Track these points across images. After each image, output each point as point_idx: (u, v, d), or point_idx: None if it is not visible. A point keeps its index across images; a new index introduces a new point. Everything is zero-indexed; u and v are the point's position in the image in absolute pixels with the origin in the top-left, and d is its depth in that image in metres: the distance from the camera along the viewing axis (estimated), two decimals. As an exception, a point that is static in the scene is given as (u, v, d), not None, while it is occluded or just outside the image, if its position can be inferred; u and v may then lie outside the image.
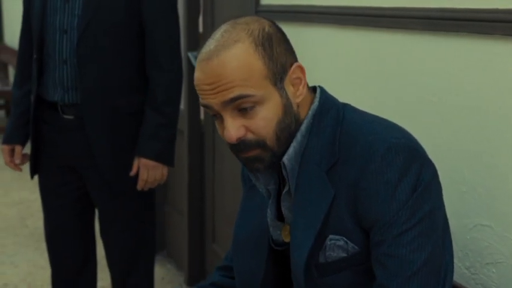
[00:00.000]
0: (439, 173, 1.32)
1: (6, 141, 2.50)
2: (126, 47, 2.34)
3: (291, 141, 1.33)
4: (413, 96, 1.70)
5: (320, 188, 1.31)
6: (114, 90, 2.34)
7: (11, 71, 7.79)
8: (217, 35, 1.30)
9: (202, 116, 3.34)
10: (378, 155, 1.25)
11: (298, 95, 1.33)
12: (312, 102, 1.37)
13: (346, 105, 1.39)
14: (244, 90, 1.26)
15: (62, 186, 2.47)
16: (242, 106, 1.27)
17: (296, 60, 1.35)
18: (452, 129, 1.58)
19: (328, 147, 1.32)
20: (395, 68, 1.76)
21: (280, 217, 1.42)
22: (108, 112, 2.34)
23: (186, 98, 3.27)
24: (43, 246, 2.78)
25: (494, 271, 1.49)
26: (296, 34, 2.15)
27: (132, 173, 2.38)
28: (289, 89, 1.32)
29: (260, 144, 1.30)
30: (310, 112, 1.35)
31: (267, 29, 1.31)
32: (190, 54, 3.17)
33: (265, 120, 1.29)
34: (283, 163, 1.33)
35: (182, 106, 3.18)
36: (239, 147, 1.31)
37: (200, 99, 1.31)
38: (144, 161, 2.36)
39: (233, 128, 1.29)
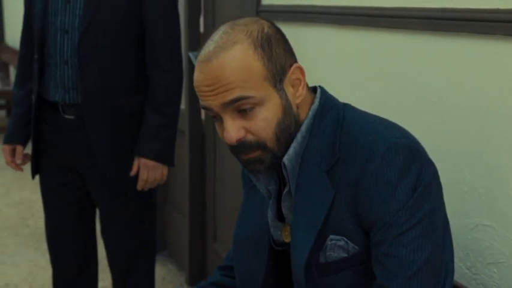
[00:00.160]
0: (440, 173, 1.32)
1: (7, 141, 2.50)
2: (126, 47, 2.34)
3: (291, 142, 1.33)
4: (413, 96, 1.70)
5: (320, 188, 1.31)
6: (115, 90, 2.34)
7: (12, 71, 7.80)
8: (216, 36, 1.30)
9: (203, 116, 3.34)
10: (378, 154, 1.25)
11: (297, 96, 1.33)
12: (312, 103, 1.37)
13: (346, 105, 1.39)
14: (244, 91, 1.26)
15: (63, 186, 2.47)
16: (242, 107, 1.27)
17: (295, 61, 1.35)
18: (453, 129, 1.57)
19: (328, 147, 1.32)
20: (396, 68, 1.76)
21: (280, 217, 1.42)
22: (108, 112, 2.34)
23: (186, 98, 3.27)
24: (44, 246, 2.79)
25: (496, 271, 1.49)
26: (297, 34, 2.15)
27: (132, 173, 2.38)
28: (289, 90, 1.32)
29: (260, 145, 1.30)
30: (310, 112, 1.35)
31: (266, 30, 1.30)
32: (191, 54, 3.17)
33: (265, 121, 1.29)
34: (284, 163, 1.33)
35: (183, 106, 3.18)
36: (239, 148, 1.31)
37: (200, 101, 1.31)
38: (144, 161, 2.36)
39: (233, 130, 1.29)
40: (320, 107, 1.35)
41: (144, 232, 2.54)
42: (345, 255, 1.31)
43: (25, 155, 2.52)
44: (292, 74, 1.32)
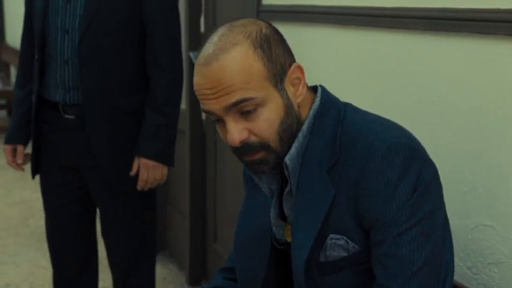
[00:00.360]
0: (440, 173, 1.32)
1: (8, 141, 2.50)
2: (127, 47, 2.34)
3: (293, 142, 1.33)
4: (413, 96, 1.70)
5: (321, 187, 1.31)
6: (115, 90, 2.34)
7: (13, 71, 7.80)
8: (215, 38, 1.29)
9: (203, 116, 3.34)
10: (378, 154, 1.25)
11: (298, 95, 1.33)
12: (312, 102, 1.36)
13: (347, 105, 1.38)
14: (246, 93, 1.26)
15: (63, 186, 2.47)
16: (244, 109, 1.27)
17: (294, 60, 1.35)
18: (453, 129, 1.57)
19: (328, 146, 1.32)
20: (396, 68, 1.76)
21: (283, 216, 1.42)
22: (108, 112, 2.34)
23: (187, 98, 3.27)
24: (45, 246, 2.78)
25: (496, 271, 1.48)
26: (297, 34, 2.15)
27: (132, 173, 2.38)
28: (289, 90, 1.32)
29: (264, 146, 1.30)
30: (311, 112, 1.35)
31: (264, 31, 1.30)
32: (191, 54, 3.17)
33: (267, 121, 1.29)
34: (285, 163, 1.33)
35: (183, 106, 3.18)
36: (243, 150, 1.30)
37: (201, 105, 1.31)
38: (144, 161, 2.36)
39: (236, 131, 1.28)
40: (321, 106, 1.35)
41: (144, 232, 2.53)
42: (345, 254, 1.31)
43: (26, 155, 2.52)
44: (292, 74, 1.32)
